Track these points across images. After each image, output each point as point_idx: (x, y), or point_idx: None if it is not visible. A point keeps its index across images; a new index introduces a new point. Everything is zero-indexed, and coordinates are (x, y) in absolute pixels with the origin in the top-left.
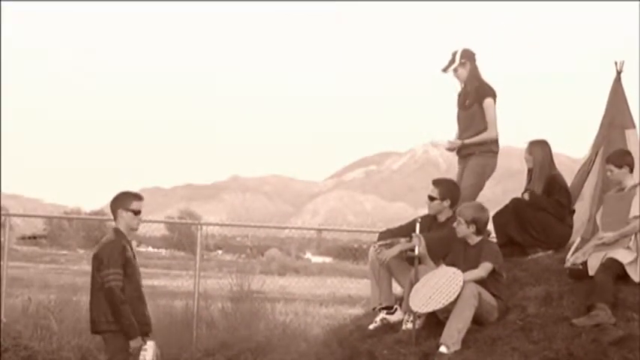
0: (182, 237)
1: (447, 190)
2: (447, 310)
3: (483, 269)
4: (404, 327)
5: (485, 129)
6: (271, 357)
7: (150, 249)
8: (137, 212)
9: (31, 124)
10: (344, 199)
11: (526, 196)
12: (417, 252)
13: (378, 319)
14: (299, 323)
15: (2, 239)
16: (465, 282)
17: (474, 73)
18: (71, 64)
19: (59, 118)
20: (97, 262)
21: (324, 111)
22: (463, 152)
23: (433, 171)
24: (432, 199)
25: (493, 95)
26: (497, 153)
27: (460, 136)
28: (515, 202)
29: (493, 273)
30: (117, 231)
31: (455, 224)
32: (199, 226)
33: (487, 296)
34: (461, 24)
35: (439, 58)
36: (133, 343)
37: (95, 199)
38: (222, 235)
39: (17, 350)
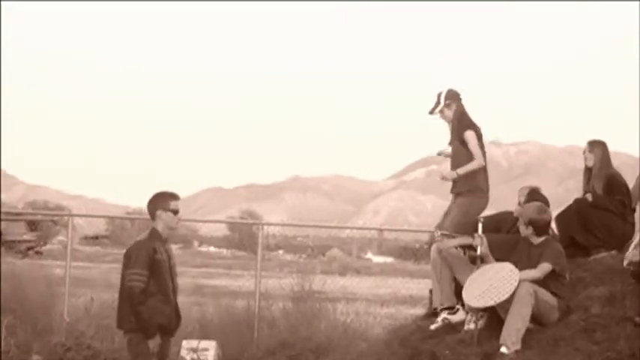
0: (243, 237)
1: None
2: (507, 309)
3: (540, 270)
4: (466, 327)
5: (470, 160)
6: (332, 357)
7: (211, 249)
8: (176, 212)
9: (94, 125)
10: (405, 199)
11: (589, 197)
12: (479, 252)
13: (439, 319)
14: (360, 323)
15: (65, 239)
16: (520, 281)
17: (458, 113)
18: (134, 65)
19: (121, 119)
20: (126, 260)
21: (385, 110)
22: (454, 190)
23: (495, 170)
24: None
25: (472, 127)
26: (486, 193)
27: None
28: (578, 203)
29: (555, 273)
30: (152, 232)
31: (518, 224)
32: (260, 226)
33: (545, 295)
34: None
35: (507, 57)
36: (151, 343)
37: None
38: (283, 235)
39: (80, 349)
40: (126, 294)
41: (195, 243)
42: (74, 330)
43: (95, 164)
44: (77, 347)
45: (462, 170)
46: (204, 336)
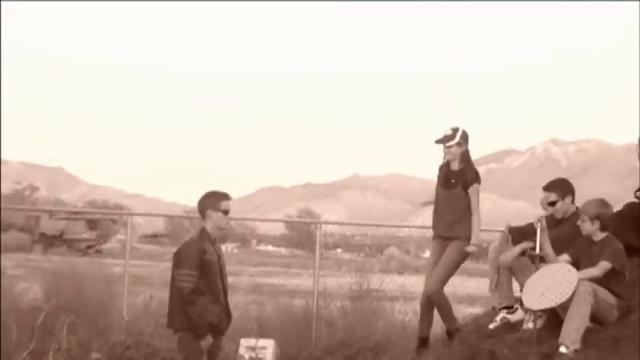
0: (301, 236)
1: (563, 188)
2: (566, 309)
3: (600, 268)
4: (525, 326)
5: (469, 214)
6: (390, 356)
7: (270, 247)
8: (226, 212)
9: (154, 125)
10: None
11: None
12: (537, 250)
13: (498, 318)
14: (418, 322)
15: (125, 238)
16: (579, 280)
17: (466, 156)
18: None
19: (182, 119)
20: (176, 260)
21: (444, 109)
22: (447, 234)
23: (554, 169)
24: (553, 203)
25: (479, 181)
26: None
27: (442, 215)
28: (629, 207)
29: (614, 272)
30: (202, 231)
31: (579, 222)
32: (318, 225)
33: (604, 294)
34: None
35: (565, 57)
36: (203, 343)
37: None
38: (341, 234)
39: (139, 347)
40: (175, 294)
41: (254, 242)
42: (133, 328)
43: (154, 163)
44: (136, 345)
45: (475, 237)
46: (262, 335)
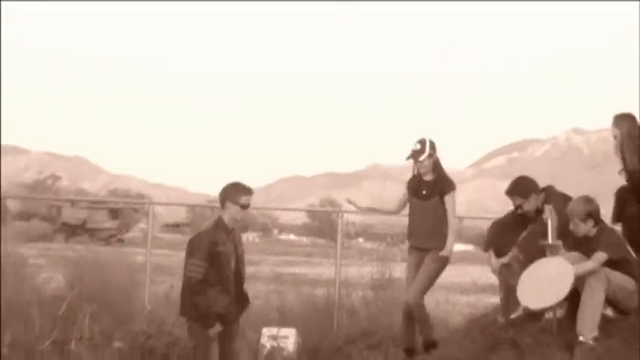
0: (323, 225)
1: (524, 189)
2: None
3: (595, 260)
4: (546, 316)
5: (446, 224)
6: None
7: (291, 237)
8: (244, 207)
9: (176, 114)
10: (485, 187)
11: (623, 176)
12: (550, 241)
13: (520, 307)
14: (440, 312)
15: (146, 227)
16: (581, 273)
17: (437, 165)
18: (201, 67)
19: (203, 107)
20: (188, 249)
21: (466, 99)
22: (424, 245)
23: (576, 158)
24: (519, 207)
25: (454, 188)
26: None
27: (419, 226)
28: (619, 194)
29: (618, 260)
30: (217, 221)
31: (571, 226)
32: (340, 214)
33: (621, 279)
34: None
35: (565, 57)
36: (211, 332)
37: None
38: (362, 223)
39: (161, 337)
40: (184, 284)
41: (275, 231)
42: (155, 317)
43: (176, 152)
44: (158, 334)
45: (450, 244)
46: (284, 324)
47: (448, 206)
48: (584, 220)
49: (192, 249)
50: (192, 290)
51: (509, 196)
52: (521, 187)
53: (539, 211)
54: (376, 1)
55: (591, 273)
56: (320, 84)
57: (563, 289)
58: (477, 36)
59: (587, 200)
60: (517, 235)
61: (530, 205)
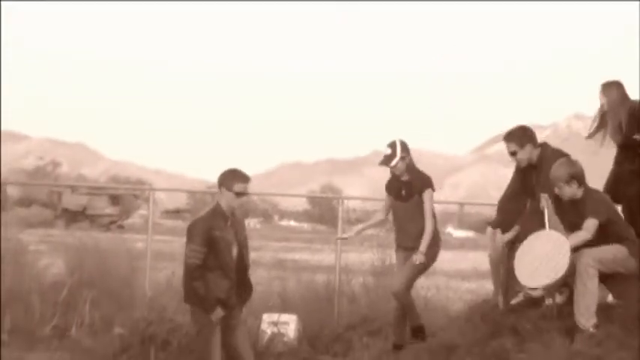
0: (324, 211)
1: (521, 137)
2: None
3: (587, 229)
4: (547, 302)
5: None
6: None
7: (292, 223)
8: (239, 194)
9: (175, 101)
10: (486, 173)
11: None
12: (546, 215)
13: (520, 294)
14: (440, 298)
15: (147, 213)
16: (580, 253)
17: (411, 165)
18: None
19: (202, 94)
20: (187, 235)
21: (466, 85)
22: (410, 244)
23: (577, 144)
24: (513, 153)
25: (432, 186)
26: (439, 240)
27: (405, 228)
28: (616, 174)
29: (607, 224)
30: (215, 207)
31: (556, 190)
32: (341, 200)
33: (610, 252)
34: None
35: (565, 57)
36: (213, 316)
37: None
38: (363, 210)
39: (162, 323)
40: (184, 270)
41: (276, 217)
42: (156, 304)
43: (176, 138)
44: (159, 321)
45: (424, 246)
46: (284, 310)
47: (425, 205)
48: (567, 182)
49: (190, 235)
50: (190, 275)
51: (506, 141)
52: (518, 135)
53: (533, 166)
54: (376, 1)
55: (579, 263)
56: (321, 83)
57: (562, 266)
58: (477, 36)
59: (569, 162)
60: (522, 205)
61: (524, 154)
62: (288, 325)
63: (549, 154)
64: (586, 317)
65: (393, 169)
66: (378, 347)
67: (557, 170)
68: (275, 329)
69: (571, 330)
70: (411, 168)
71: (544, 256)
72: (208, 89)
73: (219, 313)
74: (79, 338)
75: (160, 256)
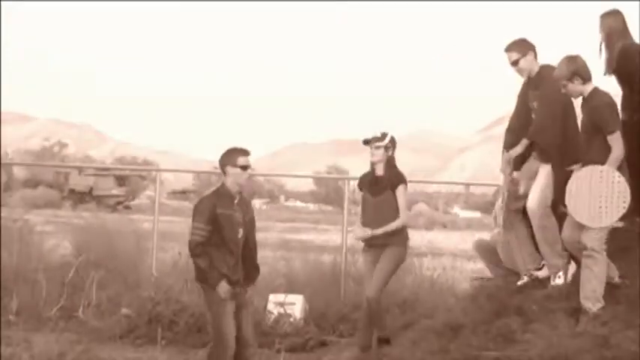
0: (330, 191)
1: (522, 45)
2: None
3: (617, 145)
4: (552, 283)
5: (396, 217)
6: (418, 312)
7: (298, 203)
8: (244, 167)
9: (181, 83)
10: (492, 154)
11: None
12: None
13: (526, 275)
14: (446, 278)
15: (153, 194)
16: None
17: (391, 161)
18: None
19: (210, 72)
20: (193, 214)
21: (473, 65)
22: (376, 242)
23: None
24: (515, 62)
25: (405, 182)
26: (407, 240)
27: (373, 222)
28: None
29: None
30: (220, 187)
31: (562, 90)
32: (347, 181)
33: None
34: None
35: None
36: (221, 291)
37: None
38: None
39: (169, 304)
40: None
41: (282, 198)
42: (162, 284)
43: (182, 119)
44: (166, 301)
45: (382, 230)
46: (291, 290)
47: (399, 198)
48: (570, 79)
49: (195, 213)
50: (193, 252)
51: (507, 51)
52: (520, 42)
53: (532, 85)
54: (376, 2)
55: (587, 251)
56: (328, 61)
57: (620, 206)
58: (477, 36)
59: (570, 59)
60: (528, 123)
61: (526, 64)
62: (295, 305)
63: (549, 73)
64: (592, 301)
65: (373, 150)
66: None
67: (559, 69)
68: (281, 309)
69: (577, 310)
70: (390, 164)
71: (602, 196)
72: (214, 70)
73: (224, 286)
74: (86, 319)
75: (166, 236)
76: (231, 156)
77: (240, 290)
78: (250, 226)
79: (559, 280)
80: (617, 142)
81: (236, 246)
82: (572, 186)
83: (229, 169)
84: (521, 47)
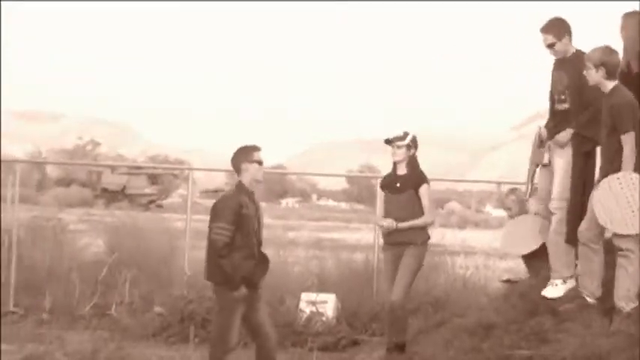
0: (362, 190)
1: (560, 28)
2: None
3: (629, 146)
4: (544, 291)
5: (421, 214)
6: (451, 310)
7: (330, 202)
8: (260, 162)
9: (213, 83)
10: (525, 152)
11: None
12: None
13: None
14: (479, 277)
15: (186, 193)
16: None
17: (413, 161)
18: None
19: (242, 75)
20: (212, 213)
21: (507, 63)
22: (397, 239)
23: None
24: (552, 45)
25: (427, 181)
26: (428, 239)
27: (394, 219)
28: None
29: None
30: (239, 185)
31: (584, 71)
32: (379, 179)
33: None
34: None
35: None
36: (237, 295)
37: (276, 154)
38: None
39: (202, 302)
40: (210, 246)
41: (314, 196)
42: (195, 283)
43: (215, 118)
44: (198, 300)
45: (407, 225)
46: (323, 289)
47: (423, 198)
48: (596, 66)
49: (216, 213)
50: (218, 253)
51: (543, 33)
52: (557, 25)
53: (565, 64)
54: (375, 2)
55: (622, 246)
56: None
57: None
58: (477, 36)
59: (607, 49)
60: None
61: (561, 47)
62: (327, 304)
63: (580, 60)
64: (626, 300)
65: (395, 149)
66: (416, 326)
67: (593, 52)
68: (313, 308)
69: (610, 310)
70: (412, 163)
71: (629, 201)
72: (245, 72)
73: (242, 291)
74: (119, 317)
75: (198, 235)
76: (246, 153)
77: (258, 287)
78: (260, 221)
79: (554, 291)
80: (628, 142)
81: (255, 247)
82: (598, 202)
83: (246, 166)
84: (558, 30)
